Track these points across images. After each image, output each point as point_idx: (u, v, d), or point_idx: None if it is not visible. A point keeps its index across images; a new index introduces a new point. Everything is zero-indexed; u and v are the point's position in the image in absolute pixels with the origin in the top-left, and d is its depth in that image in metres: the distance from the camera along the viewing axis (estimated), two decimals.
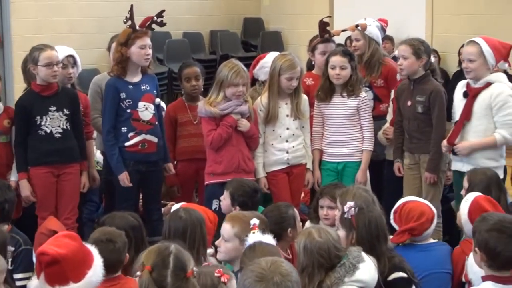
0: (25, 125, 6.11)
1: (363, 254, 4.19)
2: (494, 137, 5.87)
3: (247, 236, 4.09)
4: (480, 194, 5.01)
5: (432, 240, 4.98)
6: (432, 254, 4.86)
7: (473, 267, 4.28)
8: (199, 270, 3.65)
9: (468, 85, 6.02)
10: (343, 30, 7.04)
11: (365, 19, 6.98)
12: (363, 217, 4.49)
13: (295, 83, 6.31)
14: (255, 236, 4.01)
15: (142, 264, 3.39)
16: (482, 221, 3.99)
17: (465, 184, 5.34)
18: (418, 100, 6.18)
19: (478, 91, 5.93)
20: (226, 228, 4.44)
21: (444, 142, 6.04)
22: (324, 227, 4.34)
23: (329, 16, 6.88)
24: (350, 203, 4.53)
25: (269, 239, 4.02)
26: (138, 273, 3.39)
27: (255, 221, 4.28)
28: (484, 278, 3.93)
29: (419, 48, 6.18)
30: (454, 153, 6.03)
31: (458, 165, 6.08)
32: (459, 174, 6.06)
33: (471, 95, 5.95)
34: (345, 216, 4.52)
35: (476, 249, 3.95)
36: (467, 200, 4.92)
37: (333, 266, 4.10)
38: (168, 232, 4.54)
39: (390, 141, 6.60)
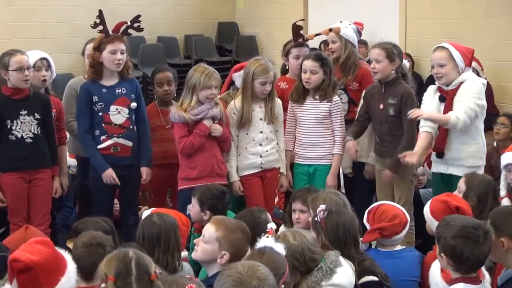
0: None
1: (341, 258, 4.21)
2: (448, 117, 5.77)
3: (259, 237, 3.92)
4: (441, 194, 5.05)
5: (400, 247, 4.99)
6: (399, 261, 4.85)
7: (435, 278, 4.29)
8: (173, 277, 3.65)
9: (440, 89, 6.03)
10: (316, 34, 7.07)
11: (341, 22, 7.00)
12: (332, 220, 4.49)
13: (269, 88, 6.32)
14: (268, 241, 3.85)
15: (104, 274, 3.34)
16: (446, 227, 3.97)
17: (462, 186, 5.32)
18: (390, 102, 6.19)
19: (454, 92, 5.93)
20: (209, 230, 4.35)
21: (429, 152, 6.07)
22: (301, 231, 4.33)
23: (302, 20, 6.89)
24: (322, 206, 4.54)
25: (280, 248, 3.84)
26: (103, 285, 3.32)
27: (272, 225, 4.28)
28: (454, 281, 3.94)
29: (392, 51, 6.20)
30: (439, 156, 6.03)
31: (441, 168, 6.08)
32: (440, 176, 6.09)
33: (449, 97, 5.93)
34: (315, 219, 4.53)
35: (442, 254, 3.95)
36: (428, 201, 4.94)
37: (310, 270, 4.11)
38: (142, 237, 4.52)
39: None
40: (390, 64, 6.19)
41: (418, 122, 6.12)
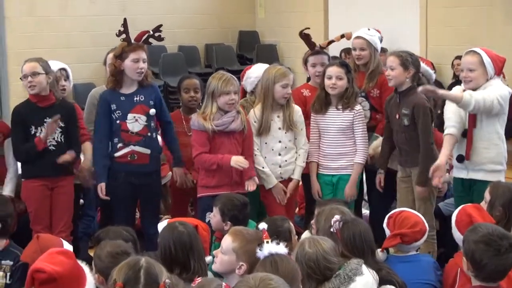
0: (22, 132, 6.13)
1: (364, 267, 4.17)
2: (462, 95, 5.69)
3: (260, 245, 3.91)
4: (470, 204, 5.04)
5: (414, 252, 4.98)
6: (414, 265, 4.85)
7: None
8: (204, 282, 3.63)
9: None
10: (330, 42, 7.04)
11: (369, 29, 6.97)
12: (348, 230, 4.48)
13: (290, 91, 6.33)
14: (271, 247, 3.84)
15: (113, 281, 3.33)
16: (472, 231, 4.01)
17: (487, 196, 5.26)
18: (403, 112, 6.15)
19: None
20: (226, 241, 4.35)
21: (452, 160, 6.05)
22: (319, 238, 4.31)
23: (308, 28, 6.87)
24: (337, 217, 4.52)
25: (283, 249, 3.86)
26: None
27: (263, 225, 4.15)
28: None
29: (406, 59, 6.15)
30: (459, 161, 6.00)
31: (462, 173, 6.04)
32: (461, 182, 6.05)
33: None
34: (331, 230, 4.51)
35: (464, 258, 3.99)
36: (457, 209, 4.94)
37: (327, 278, 4.09)
38: (174, 248, 4.44)
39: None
40: (404, 72, 6.14)
41: (440, 125, 6.10)
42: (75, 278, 3.71)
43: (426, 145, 6.10)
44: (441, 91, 5.87)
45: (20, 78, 6.19)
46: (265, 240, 3.88)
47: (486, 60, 5.86)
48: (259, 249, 3.84)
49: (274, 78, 6.29)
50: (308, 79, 7.09)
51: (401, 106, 6.19)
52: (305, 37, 6.83)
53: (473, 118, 5.90)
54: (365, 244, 4.50)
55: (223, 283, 3.53)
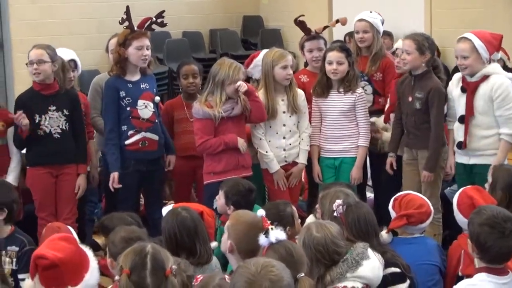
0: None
1: (369, 251, 4.20)
2: (504, 141, 5.87)
3: (266, 232, 3.88)
4: (470, 186, 5.09)
5: (418, 235, 5.00)
6: (418, 247, 4.89)
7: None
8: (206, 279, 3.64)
9: (463, 79, 6.02)
10: (325, 27, 7.04)
11: (371, 12, 6.98)
12: (352, 214, 4.50)
13: (290, 72, 6.34)
14: (277, 233, 3.79)
15: (120, 267, 3.34)
16: (477, 213, 4.04)
17: (489, 178, 5.33)
18: (417, 96, 6.16)
19: (476, 85, 5.93)
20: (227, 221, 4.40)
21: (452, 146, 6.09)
22: (325, 222, 4.32)
23: (303, 15, 6.87)
24: (338, 201, 4.54)
25: (283, 235, 3.84)
26: (117, 277, 3.34)
27: (261, 212, 4.10)
28: (478, 270, 3.98)
29: (423, 44, 6.13)
30: (459, 147, 6.03)
31: (463, 158, 6.09)
32: (463, 167, 6.09)
33: (469, 90, 5.94)
34: (334, 214, 4.52)
35: (469, 240, 4.01)
36: (458, 192, 4.96)
37: (335, 262, 4.11)
38: (179, 233, 4.48)
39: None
40: (420, 57, 6.13)
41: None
42: (77, 263, 3.74)
43: (437, 130, 6.12)
44: (499, 159, 5.87)
45: (26, 64, 6.18)
46: (269, 227, 3.86)
47: (478, 44, 5.87)
48: (265, 236, 3.80)
49: (272, 62, 6.31)
50: (306, 64, 7.10)
51: (415, 89, 6.19)
52: (300, 24, 6.85)
53: (469, 106, 5.92)
54: (370, 227, 4.53)
55: (226, 276, 3.54)
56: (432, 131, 6.12)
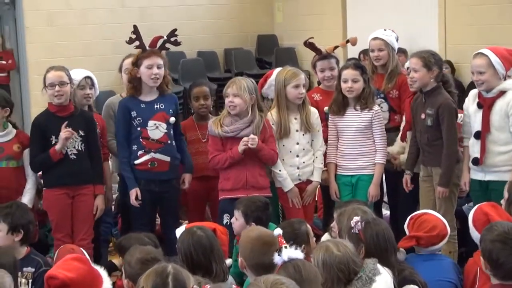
0: (40, 143, 6.15)
1: (379, 266, 4.19)
2: None
3: (279, 249, 3.93)
4: (486, 202, 5.07)
5: (436, 253, 5.01)
6: (435, 263, 4.89)
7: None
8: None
9: (480, 95, 6.00)
10: (335, 47, 7.03)
11: (385, 30, 6.98)
12: (371, 230, 4.49)
13: (303, 91, 6.34)
14: (290, 252, 3.85)
15: None
16: (489, 230, 4.04)
17: (505, 194, 5.30)
18: (428, 113, 6.14)
19: (493, 101, 5.92)
20: None
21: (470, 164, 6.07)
22: (341, 241, 4.32)
23: (312, 37, 6.87)
24: (356, 218, 4.53)
25: (300, 253, 3.87)
26: None
27: (278, 231, 4.16)
28: (493, 287, 3.94)
29: (429, 60, 6.14)
30: (475, 163, 6.01)
31: (479, 175, 6.06)
32: (479, 183, 6.06)
33: (486, 106, 5.93)
34: (352, 231, 4.51)
35: (481, 257, 3.99)
36: (473, 208, 4.94)
37: (350, 280, 4.10)
38: (195, 253, 4.48)
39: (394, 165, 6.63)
40: (428, 73, 6.12)
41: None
42: (88, 283, 3.77)
43: (450, 145, 6.09)
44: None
45: (45, 87, 6.16)
46: (283, 246, 3.88)
47: (495, 59, 5.86)
48: (278, 254, 3.84)
49: (284, 81, 6.32)
50: (319, 83, 7.10)
51: (426, 106, 6.18)
52: (310, 45, 6.86)
53: (485, 122, 5.90)
54: (388, 243, 4.52)
55: (234, 285, 3.55)
56: (444, 147, 6.10)
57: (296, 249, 3.90)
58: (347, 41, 7.19)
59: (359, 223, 4.50)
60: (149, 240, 4.97)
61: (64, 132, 6.04)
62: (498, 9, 10.61)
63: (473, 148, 6.04)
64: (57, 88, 6.10)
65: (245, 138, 6.06)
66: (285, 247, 3.87)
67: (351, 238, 4.50)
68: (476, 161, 5.99)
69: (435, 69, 6.14)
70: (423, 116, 6.21)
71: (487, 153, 5.94)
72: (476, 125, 6.02)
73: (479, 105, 5.98)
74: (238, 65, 13.90)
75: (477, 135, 5.98)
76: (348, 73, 6.38)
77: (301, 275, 3.66)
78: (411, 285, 4.42)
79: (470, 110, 6.09)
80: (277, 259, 3.83)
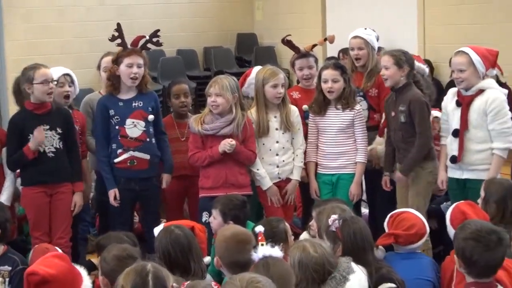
0: (17, 142, 6.11)
1: (353, 264, 4.20)
2: (497, 156, 5.89)
3: (255, 247, 3.98)
4: (463, 201, 5.12)
5: (416, 251, 5.04)
6: (414, 261, 4.91)
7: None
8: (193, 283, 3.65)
9: (459, 93, 6.04)
10: (313, 45, 7.03)
11: (366, 29, 6.99)
12: (348, 228, 4.49)
13: (281, 90, 6.33)
14: (265, 249, 3.88)
15: (121, 287, 3.34)
16: (462, 228, 4.08)
17: (482, 193, 5.34)
18: (400, 109, 6.18)
19: (471, 99, 5.96)
20: None
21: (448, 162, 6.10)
22: (319, 241, 4.32)
23: (289, 35, 6.87)
24: (334, 216, 4.53)
25: (277, 251, 3.89)
26: None
27: (260, 228, 4.18)
28: (468, 285, 3.99)
29: (400, 58, 6.18)
30: (453, 161, 6.04)
31: (456, 173, 6.09)
32: (456, 182, 6.10)
33: (464, 104, 5.96)
34: (330, 229, 4.51)
35: (455, 256, 4.02)
36: (451, 207, 4.97)
37: (324, 280, 4.10)
38: (173, 251, 4.49)
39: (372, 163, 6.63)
40: (399, 71, 6.17)
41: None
42: (69, 280, 3.76)
43: (423, 139, 6.12)
44: (491, 173, 5.89)
45: (31, 83, 6.03)
46: (260, 243, 3.89)
47: (475, 58, 5.91)
48: (254, 251, 3.86)
49: (263, 80, 6.33)
50: (298, 81, 7.11)
51: (398, 104, 6.21)
52: (288, 43, 6.85)
53: (464, 120, 5.94)
54: (366, 242, 4.53)
55: (212, 282, 3.55)
56: (417, 138, 6.13)
57: (273, 247, 3.91)
58: (325, 39, 7.20)
59: (337, 221, 4.51)
60: (128, 239, 4.95)
61: (38, 131, 6.00)
62: (476, 9, 10.67)
63: (451, 146, 6.07)
64: (50, 85, 6.07)
65: (225, 141, 6.05)
66: (262, 244, 3.90)
67: (329, 236, 4.51)
68: (454, 159, 6.02)
69: (406, 67, 6.18)
70: (393, 113, 6.24)
71: (465, 151, 5.98)
72: (454, 123, 6.05)
73: (458, 103, 6.02)
74: (218, 64, 13.88)
75: (455, 133, 6.02)
76: (328, 74, 6.38)
77: (268, 272, 3.66)
78: (389, 283, 4.42)
79: (448, 109, 6.13)
80: (254, 256, 3.86)
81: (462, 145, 5.98)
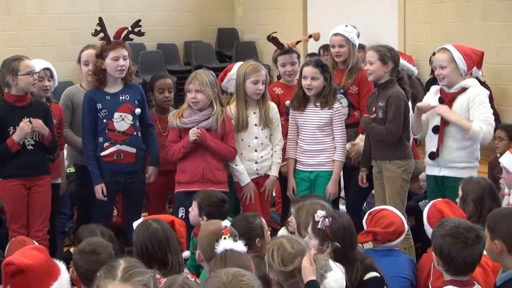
0: None
1: (331, 262, 4.19)
2: (471, 125, 5.85)
3: (217, 241, 4.01)
4: (440, 199, 5.15)
5: (394, 249, 5.06)
6: (392, 259, 4.93)
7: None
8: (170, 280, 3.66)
9: (442, 91, 6.07)
10: (297, 42, 7.05)
11: (346, 26, 6.98)
12: (337, 225, 4.48)
13: (261, 87, 6.33)
14: (227, 243, 3.93)
15: None
16: (440, 226, 4.09)
17: (460, 192, 5.36)
18: (379, 105, 6.20)
19: (454, 96, 5.98)
20: None
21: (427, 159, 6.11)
22: (296, 238, 4.32)
23: (275, 32, 6.89)
24: (321, 212, 4.52)
25: (240, 246, 3.95)
26: None
27: (226, 223, 4.22)
28: (445, 283, 4.00)
29: (385, 54, 6.18)
30: (431, 158, 6.07)
31: (434, 170, 6.12)
32: (434, 180, 6.12)
33: (447, 100, 5.99)
34: (319, 226, 4.51)
35: (433, 253, 4.04)
36: (428, 205, 5.00)
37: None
38: (151, 245, 4.46)
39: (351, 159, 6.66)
40: (383, 67, 6.17)
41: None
42: (46, 271, 3.77)
43: (390, 127, 6.11)
44: (454, 117, 5.91)
45: (15, 75, 5.96)
46: (223, 236, 3.93)
47: (457, 55, 5.94)
48: (216, 245, 3.92)
49: (244, 75, 6.32)
50: (279, 77, 7.12)
51: (379, 99, 6.23)
52: (273, 40, 6.87)
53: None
54: (353, 238, 4.54)
55: (189, 275, 3.57)
56: (384, 129, 6.14)
57: (235, 241, 3.96)
58: (310, 36, 7.20)
59: (326, 219, 4.50)
60: (104, 233, 4.96)
61: (25, 123, 5.98)
62: (455, 8, 10.73)
63: (430, 142, 6.10)
64: (35, 76, 6.05)
65: (192, 129, 6.05)
66: (224, 238, 3.95)
67: (317, 234, 4.49)
68: (432, 155, 6.05)
69: (390, 63, 6.19)
70: (374, 109, 6.26)
71: (445, 148, 6.01)
72: (435, 120, 6.07)
73: (441, 100, 6.03)
74: (198, 58, 13.89)
75: (435, 130, 6.04)
76: (308, 71, 6.38)
77: (225, 266, 3.69)
78: (373, 272, 4.46)
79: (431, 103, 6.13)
80: (216, 249, 3.92)
81: (441, 141, 6.00)
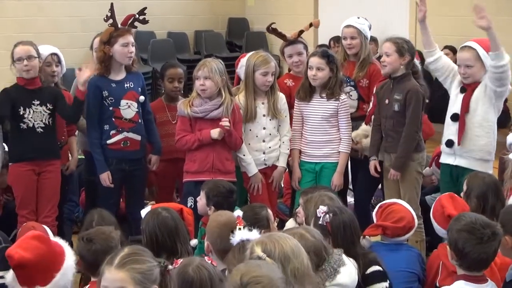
0: (7, 110, 6.10)
1: (344, 257, 4.18)
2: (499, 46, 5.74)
3: (232, 232, 4.01)
4: (447, 193, 5.14)
5: (403, 243, 5.05)
6: (399, 253, 4.93)
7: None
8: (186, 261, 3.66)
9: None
10: (300, 32, 7.00)
11: (359, 18, 6.93)
12: (338, 222, 4.47)
13: (271, 79, 6.31)
14: (243, 233, 3.93)
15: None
16: (457, 220, 4.07)
17: (464, 187, 5.32)
18: (395, 98, 6.14)
19: (476, 85, 5.93)
20: None
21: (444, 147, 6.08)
22: (310, 227, 4.31)
23: (274, 22, 6.87)
24: (323, 208, 4.51)
25: (255, 235, 3.92)
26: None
27: (239, 212, 4.21)
28: (457, 277, 3.99)
29: (402, 46, 6.13)
30: (448, 145, 6.03)
31: (449, 159, 6.08)
32: (449, 172, 6.08)
33: (470, 89, 5.93)
34: (320, 222, 4.50)
35: (448, 247, 4.03)
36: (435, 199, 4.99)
37: (319, 266, 4.09)
38: (160, 233, 4.48)
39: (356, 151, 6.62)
40: (400, 59, 6.11)
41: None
42: (47, 263, 3.76)
43: (410, 131, 6.09)
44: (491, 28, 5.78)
45: (14, 62, 6.13)
46: (237, 227, 3.90)
47: (482, 53, 5.85)
48: (232, 236, 3.91)
49: (254, 66, 6.30)
50: (289, 69, 7.10)
51: (394, 92, 6.17)
52: (274, 31, 6.84)
53: (466, 102, 5.92)
54: (354, 234, 4.53)
55: (206, 257, 3.56)
56: (405, 131, 6.10)
57: (250, 230, 3.95)
58: (311, 25, 7.13)
59: (327, 214, 4.49)
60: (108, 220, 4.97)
61: (83, 71, 6.09)
62: (471, 1, 10.67)
63: (448, 130, 6.05)
64: (25, 62, 6.07)
65: (216, 130, 6.02)
66: (239, 228, 3.94)
67: (319, 229, 4.47)
68: (450, 143, 6.01)
69: (407, 56, 6.13)
70: (387, 101, 6.20)
71: (464, 135, 5.95)
72: (455, 108, 6.01)
73: (462, 90, 5.98)
74: (208, 48, 13.87)
75: (454, 117, 5.99)
76: (314, 61, 6.35)
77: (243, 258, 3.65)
78: (376, 266, 4.46)
79: (451, 95, 6.09)
80: (232, 240, 3.92)
81: (462, 129, 5.95)
